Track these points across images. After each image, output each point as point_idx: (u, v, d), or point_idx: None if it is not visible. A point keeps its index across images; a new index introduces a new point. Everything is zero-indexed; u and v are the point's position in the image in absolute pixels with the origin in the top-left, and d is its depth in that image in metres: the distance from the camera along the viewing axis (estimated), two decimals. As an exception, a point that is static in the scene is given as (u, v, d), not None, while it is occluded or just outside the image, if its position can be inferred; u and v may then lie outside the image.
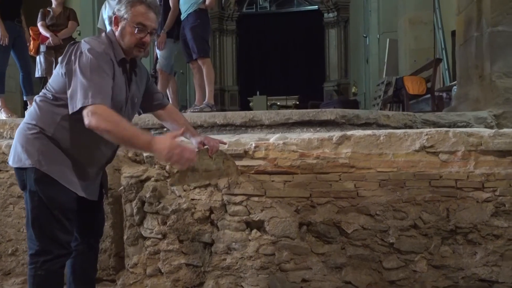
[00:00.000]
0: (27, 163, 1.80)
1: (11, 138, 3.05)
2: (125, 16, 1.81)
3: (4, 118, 4.25)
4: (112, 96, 1.76)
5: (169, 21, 4.46)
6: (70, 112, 1.70)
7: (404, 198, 2.26)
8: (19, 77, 4.65)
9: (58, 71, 1.82)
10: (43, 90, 1.89)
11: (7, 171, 2.72)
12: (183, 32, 4.35)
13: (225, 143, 2.27)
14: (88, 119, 1.64)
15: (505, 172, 2.22)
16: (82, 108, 1.66)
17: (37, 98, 1.89)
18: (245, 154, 2.40)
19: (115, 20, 1.84)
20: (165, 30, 4.46)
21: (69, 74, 1.73)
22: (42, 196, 1.80)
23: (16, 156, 1.85)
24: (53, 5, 5.00)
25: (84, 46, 1.75)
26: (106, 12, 4.67)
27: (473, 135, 2.27)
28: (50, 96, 1.83)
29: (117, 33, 1.84)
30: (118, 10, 1.83)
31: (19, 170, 1.85)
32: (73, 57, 1.74)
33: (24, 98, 4.73)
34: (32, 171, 1.79)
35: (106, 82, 1.72)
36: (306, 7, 16.57)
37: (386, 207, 2.27)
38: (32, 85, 4.73)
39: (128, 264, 2.54)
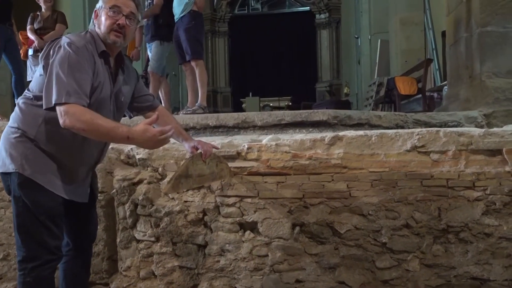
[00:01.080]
0: (10, 167, 1.77)
1: (2, 141, 3.03)
2: (101, 5, 1.82)
3: (-5, 121, 4.21)
4: (95, 92, 1.74)
5: (148, 11, 4.47)
6: (43, 107, 1.68)
7: (396, 198, 2.27)
8: (12, 80, 4.63)
9: (39, 69, 1.80)
10: (24, 92, 1.86)
11: (-2, 175, 2.70)
12: (176, 33, 4.35)
13: (217, 148, 2.27)
14: (62, 119, 1.63)
15: (495, 171, 2.24)
16: (56, 105, 1.64)
17: (19, 100, 1.86)
18: (237, 156, 2.40)
19: (95, 14, 1.85)
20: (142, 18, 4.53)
21: (46, 68, 1.71)
22: (26, 201, 1.76)
23: (0, 160, 1.82)
24: (43, 9, 4.99)
25: (64, 40, 1.73)
26: None
27: (464, 135, 2.29)
28: (31, 96, 1.80)
29: (96, 25, 1.83)
30: (97, 5, 1.85)
31: (4, 175, 1.82)
32: (51, 52, 1.71)
33: (16, 101, 4.71)
34: (15, 175, 1.76)
35: (84, 79, 1.69)
36: (298, 8, 16.66)
37: (378, 207, 2.28)
38: (24, 88, 4.70)
39: (121, 267, 2.53)
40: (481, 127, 3.18)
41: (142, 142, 1.63)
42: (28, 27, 4.87)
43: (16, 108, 1.85)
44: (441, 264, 2.26)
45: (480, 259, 2.24)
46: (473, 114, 3.39)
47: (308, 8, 16.19)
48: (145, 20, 4.59)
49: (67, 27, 5.23)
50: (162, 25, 4.53)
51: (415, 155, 2.30)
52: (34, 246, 1.78)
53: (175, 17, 4.33)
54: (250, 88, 14.13)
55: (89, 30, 1.86)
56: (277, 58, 16.33)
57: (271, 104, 13.01)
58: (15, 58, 4.58)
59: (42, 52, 1.79)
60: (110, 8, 1.79)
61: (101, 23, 1.81)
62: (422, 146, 2.30)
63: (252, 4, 16.73)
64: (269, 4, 16.79)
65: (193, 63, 4.29)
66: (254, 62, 16.52)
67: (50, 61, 1.69)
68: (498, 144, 2.26)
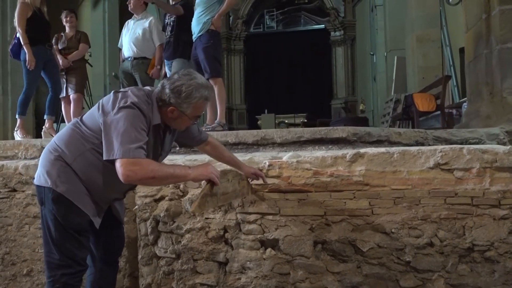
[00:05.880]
0: (45, 182, 1.87)
1: (26, 158, 3.09)
2: (186, 111, 1.84)
3: (19, 138, 4.31)
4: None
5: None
6: (104, 158, 1.73)
7: (419, 215, 2.25)
8: (47, 97, 4.76)
9: (96, 112, 1.83)
10: (79, 120, 1.92)
11: (23, 191, 2.75)
12: (194, 52, 4.41)
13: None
14: (128, 172, 1.67)
15: (521, 189, 2.20)
16: (116, 159, 1.68)
17: (72, 125, 1.93)
18: (259, 173, 2.40)
19: (172, 110, 1.84)
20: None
21: (110, 122, 1.73)
22: (57, 215, 1.86)
23: (38, 173, 1.94)
24: (67, 30, 5.15)
25: (131, 97, 1.77)
26: (126, 32, 4.86)
27: (488, 152, 2.27)
28: (85, 129, 1.86)
29: (169, 115, 1.85)
30: (179, 104, 1.82)
31: (39, 187, 1.93)
32: (117, 104, 1.75)
33: (45, 117, 4.84)
34: (49, 190, 1.86)
35: (144, 136, 1.74)
36: (313, 26, 16.76)
37: (401, 224, 2.25)
38: (55, 108, 4.88)
39: (142, 284, 2.53)
40: (503, 144, 3.13)
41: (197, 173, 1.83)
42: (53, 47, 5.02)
43: (66, 130, 1.93)
44: (467, 284, 2.21)
45: (508, 279, 2.18)
46: (494, 131, 3.34)
47: (323, 26, 16.28)
48: (166, 37, 4.72)
49: (89, 47, 5.37)
50: (186, 42, 4.60)
51: (438, 173, 2.28)
52: (62, 256, 1.87)
53: (193, 36, 4.40)
54: (265, 105, 14.18)
55: (152, 95, 1.86)
56: (292, 76, 16.40)
57: (286, 121, 13.00)
58: (53, 77, 4.72)
59: (104, 101, 1.82)
60: (195, 116, 1.90)
61: (178, 123, 1.90)
62: (446, 164, 2.27)
63: (268, 23, 16.91)
64: (284, 22, 16.95)
65: (212, 81, 4.33)
66: (269, 79, 16.61)
67: (114, 116, 1.73)
68: (524, 162, 2.22)
